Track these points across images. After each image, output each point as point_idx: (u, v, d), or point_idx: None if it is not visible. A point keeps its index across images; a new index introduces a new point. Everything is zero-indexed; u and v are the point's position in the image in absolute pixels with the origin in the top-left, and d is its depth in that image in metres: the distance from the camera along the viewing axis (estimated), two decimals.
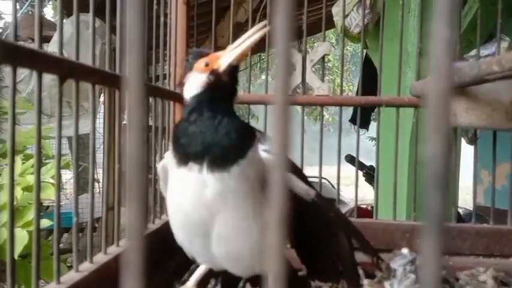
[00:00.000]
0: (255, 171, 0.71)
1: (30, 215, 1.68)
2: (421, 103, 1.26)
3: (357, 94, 1.60)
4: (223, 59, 0.73)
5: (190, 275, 0.90)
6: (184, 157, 0.71)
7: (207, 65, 0.73)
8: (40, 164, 0.70)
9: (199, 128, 0.71)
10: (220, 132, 0.70)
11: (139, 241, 0.17)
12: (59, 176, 0.78)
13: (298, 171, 0.80)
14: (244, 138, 0.71)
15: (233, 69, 0.74)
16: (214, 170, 0.69)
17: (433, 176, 0.16)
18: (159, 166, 0.81)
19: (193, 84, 0.73)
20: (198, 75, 0.73)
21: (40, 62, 0.63)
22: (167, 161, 0.78)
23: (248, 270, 0.79)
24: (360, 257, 1.15)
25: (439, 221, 0.16)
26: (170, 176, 0.77)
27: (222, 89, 0.73)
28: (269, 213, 0.17)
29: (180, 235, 0.78)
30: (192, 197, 0.71)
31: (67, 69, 0.68)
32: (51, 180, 1.81)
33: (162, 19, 1.21)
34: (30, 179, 1.77)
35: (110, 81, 0.85)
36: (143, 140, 0.17)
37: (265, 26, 0.75)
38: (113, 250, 0.88)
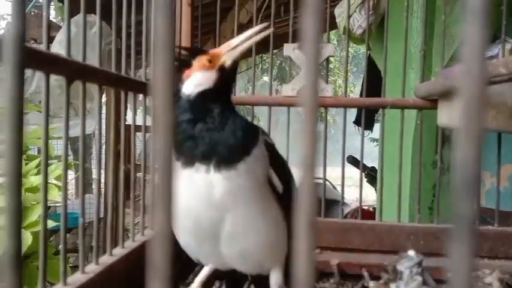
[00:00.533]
0: (261, 167, 0.72)
1: (34, 215, 1.67)
2: (428, 104, 1.26)
3: (361, 95, 1.60)
4: (227, 55, 0.74)
5: (194, 277, 0.90)
6: (191, 158, 0.70)
7: (209, 61, 0.73)
8: (47, 166, 0.70)
9: (207, 126, 0.71)
10: (226, 131, 0.70)
11: (167, 245, 0.17)
12: (66, 177, 0.78)
13: (280, 165, 0.78)
14: (249, 136, 0.72)
15: (235, 65, 0.76)
16: (222, 169, 0.69)
17: (464, 182, 0.16)
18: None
19: (199, 81, 0.72)
20: (203, 73, 0.73)
21: (47, 63, 0.63)
22: None
23: (257, 268, 0.79)
24: (367, 259, 1.15)
25: (470, 227, 0.16)
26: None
27: (227, 85, 0.75)
28: (297, 218, 0.17)
29: (188, 240, 0.76)
30: (201, 199, 0.70)
31: (74, 70, 0.68)
32: (55, 181, 1.81)
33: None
34: (34, 180, 1.76)
35: (116, 82, 0.85)
36: (170, 144, 0.17)
37: (268, 26, 0.76)
38: (118, 252, 0.88)
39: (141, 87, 0.96)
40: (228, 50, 0.74)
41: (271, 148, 0.76)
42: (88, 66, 0.73)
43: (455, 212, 0.16)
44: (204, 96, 0.72)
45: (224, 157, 0.69)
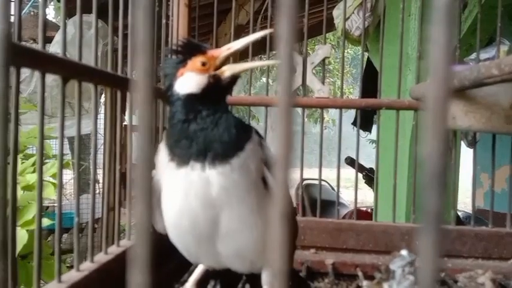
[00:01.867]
0: (254, 163, 0.72)
1: (30, 214, 1.67)
2: (421, 106, 1.27)
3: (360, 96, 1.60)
4: (228, 67, 0.74)
5: (189, 276, 0.90)
6: (186, 157, 0.71)
7: (203, 64, 0.73)
8: (42, 164, 0.71)
9: (200, 126, 0.71)
10: (220, 129, 0.71)
11: (146, 236, 0.18)
12: (61, 177, 0.79)
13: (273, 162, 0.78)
14: (242, 132, 0.72)
15: (234, 79, 0.75)
16: (216, 165, 0.69)
17: (430, 176, 0.16)
18: None
19: (190, 82, 0.72)
20: (196, 75, 0.72)
21: (43, 63, 0.64)
22: (159, 169, 0.74)
23: (252, 266, 0.79)
24: (361, 259, 1.16)
25: (436, 221, 0.16)
26: (166, 183, 0.74)
27: (220, 92, 0.75)
28: (272, 210, 0.17)
29: (185, 240, 0.76)
30: (198, 197, 0.70)
31: (70, 70, 0.69)
32: (51, 180, 1.81)
33: (164, 21, 1.22)
34: (30, 178, 1.76)
35: (112, 81, 0.85)
36: (151, 140, 0.18)
37: (267, 29, 0.77)
38: (113, 250, 0.89)
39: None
40: (227, 55, 0.74)
41: (264, 145, 0.77)
42: (84, 66, 0.74)
43: (424, 204, 0.17)
44: (195, 97, 0.72)
45: (218, 153, 0.70)
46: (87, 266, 0.78)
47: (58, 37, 2.87)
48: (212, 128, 0.71)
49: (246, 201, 0.72)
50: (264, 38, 1.31)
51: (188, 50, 0.74)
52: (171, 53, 0.76)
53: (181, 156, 0.71)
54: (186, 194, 0.71)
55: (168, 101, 0.75)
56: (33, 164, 1.87)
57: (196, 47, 0.75)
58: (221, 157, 0.70)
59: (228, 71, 0.74)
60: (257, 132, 0.77)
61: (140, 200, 0.18)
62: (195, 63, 0.73)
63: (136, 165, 0.18)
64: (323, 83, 1.35)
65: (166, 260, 0.96)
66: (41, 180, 0.70)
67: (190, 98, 0.72)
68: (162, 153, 0.73)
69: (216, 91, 0.74)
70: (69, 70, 0.69)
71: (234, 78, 0.75)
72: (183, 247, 0.78)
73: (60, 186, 0.79)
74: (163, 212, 0.76)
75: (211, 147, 0.70)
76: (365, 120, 3.78)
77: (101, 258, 0.83)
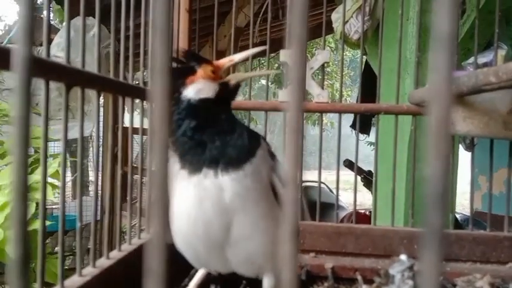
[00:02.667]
0: (265, 169, 0.74)
1: (28, 215, 1.67)
2: (422, 111, 1.28)
3: (357, 100, 1.61)
4: (233, 76, 0.78)
5: (190, 280, 0.91)
6: (198, 164, 0.71)
7: (213, 72, 0.76)
8: (46, 169, 0.71)
9: (217, 131, 0.72)
10: (235, 135, 0.73)
11: (162, 249, 0.18)
12: (64, 180, 0.79)
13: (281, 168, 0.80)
14: (252, 139, 0.74)
15: (238, 87, 0.80)
16: (230, 170, 0.70)
17: (433, 196, 0.17)
18: None
19: (203, 89, 0.74)
20: (207, 82, 0.75)
21: (47, 71, 0.65)
22: (170, 178, 0.76)
23: (259, 271, 0.80)
24: (360, 263, 1.17)
25: (439, 240, 0.17)
26: (177, 192, 0.74)
27: (227, 98, 0.78)
28: (282, 226, 0.18)
29: (196, 248, 0.76)
30: (211, 204, 0.71)
31: (74, 78, 0.70)
32: (49, 180, 1.81)
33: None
34: (28, 179, 1.75)
35: (115, 88, 0.86)
36: (166, 157, 0.19)
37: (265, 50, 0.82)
38: (115, 255, 0.89)
39: (139, 93, 0.97)
40: (229, 66, 0.78)
41: (272, 152, 0.78)
42: (87, 73, 0.75)
43: (426, 222, 0.18)
44: (206, 103, 0.74)
45: (232, 159, 0.71)
46: (90, 271, 0.78)
47: (57, 40, 2.87)
48: (227, 133, 0.72)
49: (258, 207, 0.73)
50: (265, 42, 1.32)
51: (194, 60, 0.76)
52: (175, 61, 0.77)
53: (194, 164, 0.71)
54: (199, 202, 0.71)
55: (172, 108, 0.75)
56: (31, 165, 1.87)
57: (202, 58, 0.78)
58: (234, 162, 0.71)
59: (233, 79, 0.78)
60: (264, 139, 0.78)
61: (157, 214, 0.19)
62: (206, 71, 0.75)
63: (152, 184, 0.19)
64: (322, 87, 1.36)
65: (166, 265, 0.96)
66: (44, 185, 0.71)
67: (204, 104, 0.74)
68: (172, 161, 0.73)
69: (225, 98, 0.77)
70: (73, 78, 0.70)
71: (237, 86, 0.79)
72: (193, 254, 0.78)
73: (63, 189, 0.80)
74: (173, 220, 0.76)
75: (226, 152, 0.71)
76: (364, 123, 3.80)
77: (103, 263, 0.84)
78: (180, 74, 0.75)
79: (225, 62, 0.78)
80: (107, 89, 0.84)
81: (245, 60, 0.81)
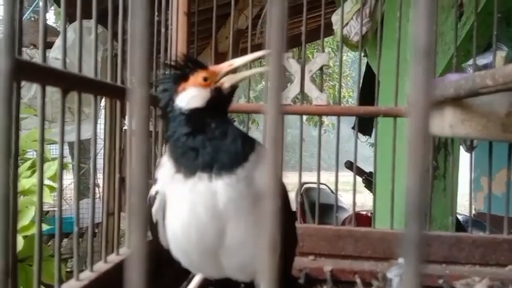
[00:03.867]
0: (259, 175, 0.73)
1: (27, 219, 1.66)
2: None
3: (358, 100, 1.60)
4: (227, 78, 0.76)
5: (188, 284, 0.91)
6: (192, 168, 0.71)
7: (205, 79, 0.74)
8: (42, 171, 0.71)
9: (208, 137, 0.72)
10: (228, 140, 0.72)
11: (142, 264, 0.18)
12: (61, 182, 0.79)
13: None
14: (246, 144, 0.74)
15: (234, 89, 0.77)
16: (223, 175, 0.70)
17: (412, 208, 0.17)
18: (152, 192, 0.76)
19: (194, 97, 0.74)
20: (199, 90, 0.74)
21: (43, 76, 0.65)
22: (164, 182, 0.75)
23: (253, 276, 0.80)
24: (360, 266, 1.17)
25: (418, 249, 0.17)
26: (171, 196, 0.74)
27: (222, 104, 0.77)
28: (261, 238, 0.18)
29: (189, 252, 0.76)
30: (205, 208, 0.71)
31: (69, 83, 0.70)
32: (49, 182, 1.80)
33: (163, 30, 1.23)
34: (26, 183, 1.74)
35: (111, 92, 0.86)
36: (145, 170, 0.19)
37: (263, 55, 0.80)
38: (113, 258, 0.89)
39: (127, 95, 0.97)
40: (228, 71, 0.76)
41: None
42: (83, 78, 0.75)
43: (406, 232, 0.18)
44: (199, 111, 0.74)
45: (225, 163, 0.71)
46: (87, 275, 0.78)
47: (58, 42, 2.88)
48: (221, 138, 0.72)
49: (252, 213, 0.72)
50: (261, 44, 1.31)
51: (189, 66, 0.75)
52: (170, 67, 0.77)
53: (188, 168, 0.71)
54: (193, 205, 0.71)
55: (164, 116, 0.75)
56: (29, 168, 1.86)
57: (198, 63, 0.76)
58: (228, 167, 0.71)
59: (227, 82, 0.76)
60: (261, 144, 0.77)
61: (136, 227, 0.19)
62: (197, 78, 0.74)
63: (132, 192, 0.19)
64: (321, 90, 1.36)
65: (165, 269, 0.96)
66: (41, 187, 0.71)
67: (194, 113, 0.73)
68: (167, 166, 0.74)
69: (219, 103, 0.76)
70: (69, 82, 0.70)
71: (233, 88, 0.77)
72: (186, 259, 0.78)
73: (60, 192, 0.80)
74: (168, 225, 0.76)
75: (218, 157, 0.71)
76: (365, 124, 3.79)
77: (101, 267, 0.84)
78: (173, 80, 0.75)
79: (224, 66, 0.77)
80: (104, 93, 0.84)
81: (246, 63, 0.79)
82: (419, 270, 0.17)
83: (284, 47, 0.21)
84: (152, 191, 0.76)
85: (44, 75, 0.64)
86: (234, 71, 0.77)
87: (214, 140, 0.72)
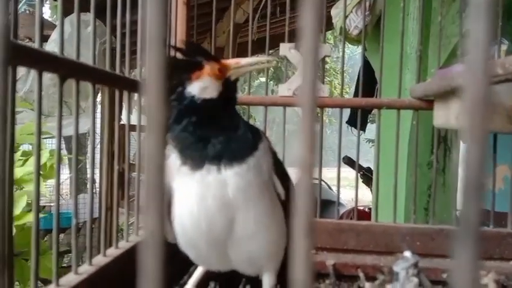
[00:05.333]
0: (266, 163, 0.73)
1: (18, 209, 1.63)
2: (424, 105, 1.26)
3: (354, 96, 1.59)
4: (235, 71, 0.76)
5: (189, 278, 0.89)
6: (200, 159, 0.69)
7: (220, 71, 0.73)
8: (39, 165, 0.69)
9: (219, 128, 0.71)
10: (239, 131, 0.72)
11: (158, 248, 0.16)
12: (59, 176, 0.77)
13: (279, 164, 0.79)
14: (255, 133, 0.74)
15: (237, 81, 0.78)
16: (234, 164, 0.69)
17: (470, 185, 0.15)
18: None
19: (207, 87, 0.72)
20: (213, 81, 0.72)
21: (40, 61, 0.62)
22: (168, 175, 0.73)
23: (259, 269, 0.79)
24: (362, 260, 1.15)
25: (475, 231, 0.15)
26: (178, 189, 0.72)
27: (230, 97, 0.76)
28: (296, 221, 0.16)
29: (197, 245, 0.74)
30: (214, 199, 0.69)
31: (67, 69, 0.67)
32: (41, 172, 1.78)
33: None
34: (19, 172, 1.70)
35: (110, 80, 0.84)
36: (163, 144, 0.17)
37: (269, 61, 0.81)
38: (112, 252, 0.87)
39: (135, 86, 0.95)
40: (235, 67, 0.76)
41: (273, 149, 0.78)
42: (81, 65, 0.72)
43: (462, 217, 0.16)
44: (210, 102, 0.72)
45: (236, 153, 0.70)
46: (86, 269, 0.76)
47: (54, 36, 2.84)
48: (233, 130, 0.71)
49: (261, 203, 0.72)
50: (263, 38, 1.29)
51: (201, 54, 0.73)
52: (180, 52, 0.74)
53: (195, 159, 0.69)
54: (202, 197, 0.69)
55: (173, 102, 0.72)
56: (22, 156, 1.83)
57: (209, 54, 0.75)
58: (239, 156, 0.70)
59: (233, 75, 0.76)
60: (265, 135, 0.78)
61: (152, 211, 0.16)
62: (213, 68, 0.72)
63: (147, 173, 0.16)
64: (322, 82, 1.34)
65: (166, 262, 0.94)
66: (38, 182, 0.68)
67: (207, 103, 0.71)
68: (172, 157, 0.71)
69: (228, 95, 0.75)
70: (67, 69, 0.67)
71: (237, 80, 0.78)
72: (195, 251, 0.77)
73: (57, 187, 0.78)
74: (175, 217, 0.74)
75: (230, 148, 0.70)
76: (360, 119, 3.78)
77: (100, 260, 0.81)
78: (185, 67, 0.72)
79: (232, 63, 0.76)
80: (102, 81, 0.81)
81: (251, 65, 0.79)
82: (476, 253, 0.15)
83: (319, 30, 0.19)
84: None
85: (41, 60, 0.61)
86: (239, 68, 0.77)
87: (226, 131, 0.71)
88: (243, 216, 0.70)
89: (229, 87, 0.75)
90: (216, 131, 0.71)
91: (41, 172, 1.68)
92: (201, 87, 0.71)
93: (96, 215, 1.06)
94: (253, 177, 0.70)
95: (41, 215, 1.41)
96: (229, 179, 0.69)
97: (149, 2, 0.17)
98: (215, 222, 0.70)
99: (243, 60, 0.77)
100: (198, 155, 0.69)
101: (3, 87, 0.27)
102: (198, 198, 0.70)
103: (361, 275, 1.08)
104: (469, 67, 0.15)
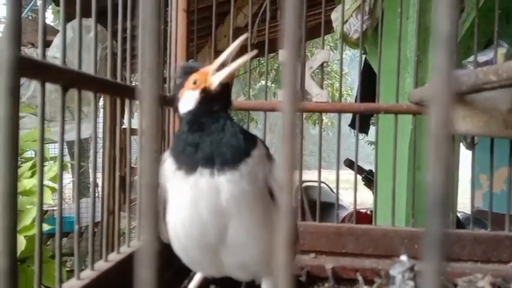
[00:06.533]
0: (262, 172, 0.73)
1: (28, 219, 1.66)
2: (422, 110, 1.27)
3: (356, 100, 1.60)
4: (214, 78, 0.75)
5: (189, 282, 0.90)
6: (193, 164, 0.71)
7: (194, 82, 0.76)
8: (42, 172, 0.71)
9: (206, 132, 0.73)
10: (227, 134, 0.72)
11: (152, 260, 0.18)
12: (61, 182, 0.78)
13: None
14: (247, 140, 0.74)
15: (225, 86, 0.76)
16: (226, 170, 0.70)
17: (434, 202, 0.16)
18: None
19: (188, 101, 0.76)
20: (190, 93, 0.76)
21: (43, 72, 0.64)
22: (165, 178, 0.74)
23: (254, 275, 0.79)
24: (361, 263, 1.16)
25: (440, 245, 0.16)
26: (173, 192, 0.74)
27: (215, 102, 0.76)
28: (278, 234, 0.17)
29: (190, 249, 0.75)
30: (207, 205, 0.70)
31: (69, 79, 0.69)
32: (49, 183, 1.80)
33: (162, 26, 1.22)
34: (27, 183, 1.74)
35: (111, 89, 0.85)
36: (156, 166, 0.18)
37: (246, 38, 0.78)
38: (113, 257, 0.89)
39: (136, 94, 0.97)
40: (213, 70, 0.76)
41: (271, 157, 0.77)
42: (83, 75, 0.74)
43: (427, 228, 0.17)
44: (193, 113, 0.75)
45: (227, 158, 0.70)
46: (88, 274, 0.78)
47: (57, 41, 2.86)
48: (218, 133, 0.73)
49: (254, 212, 0.72)
50: (263, 42, 1.31)
51: (184, 73, 0.78)
52: (175, 79, 0.80)
53: (189, 164, 0.71)
54: (195, 202, 0.71)
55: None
56: (31, 168, 1.86)
57: (190, 69, 0.78)
58: (230, 162, 0.70)
59: (214, 81, 0.76)
60: (263, 142, 0.78)
61: (147, 224, 0.18)
62: (189, 82, 0.77)
63: (142, 190, 0.18)
64: (321, 87, 1.36)
65: (166, 267, 0.96)
66: (41, 187, 0.70)
67: (190, 114, 0.76)
68: (168, 162, 0.74)
69: (212, 102, 0.76)
70: (69, 79, 0.69)
71: (226, 85, 0.76)
72: (187, 256, 0.78)
73: (60, 191, 0.79)
74: (169, 221, 0.76)
75: (219, 152, 0.71)
76: (362, 122, 3.79)
77: (102, 266, 0.83)
78: (176, 90, 0.79)
79: (212, 67, 0.76)
80: (104, 90, 0.83)
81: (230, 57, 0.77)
82: (440, 268, 0.16)
83: (299, 41, 0.20)
84: None
85: (44, 71, 0.63)
86: (222, 68, 0.76)
87: (212, 135, 0.73)
88: (236, 225, 0.71)
89: (209, 94, 0.75)
90: (203, 136, 0.73)
91: (51, 185, 1.70)
92: (184, 102, 0.77)
93: (98, 219, 1.07)
94: (247, 185, 0.70)
95: (48, 227, 1.42)
96: (222, 185, 0.70)
97: (142, 34, 0.18)
98: (207, 229, 0.71)
99: (219, 59, 0.76)
100: (190, 159, 0.72)
101: (13, 93, 0.29)
102: (191, 202, 0.71)
103: (359, 278, 1.09)
104: (432, 96, 0.16)
